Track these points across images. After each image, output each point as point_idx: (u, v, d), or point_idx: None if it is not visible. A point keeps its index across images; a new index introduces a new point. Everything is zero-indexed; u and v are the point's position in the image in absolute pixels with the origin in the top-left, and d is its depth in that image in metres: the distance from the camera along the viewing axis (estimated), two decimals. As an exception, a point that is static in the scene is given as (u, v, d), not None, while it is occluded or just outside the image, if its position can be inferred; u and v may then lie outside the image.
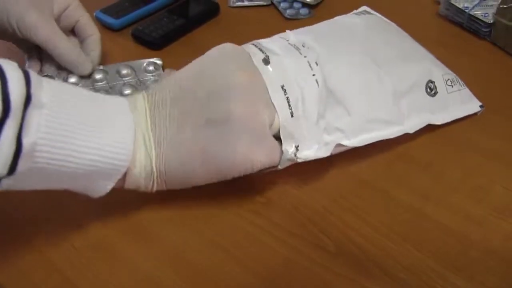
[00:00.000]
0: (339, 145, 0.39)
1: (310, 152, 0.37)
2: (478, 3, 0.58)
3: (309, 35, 0.42)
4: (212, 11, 0.62)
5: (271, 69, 0.37)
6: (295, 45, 0.40)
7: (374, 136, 0.41)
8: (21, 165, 0.28)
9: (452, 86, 0.46)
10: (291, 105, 0.36)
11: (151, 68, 0.52)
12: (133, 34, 0.58)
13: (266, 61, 0.38)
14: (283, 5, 0.63)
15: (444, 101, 0.45)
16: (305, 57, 0.39)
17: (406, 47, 0.47)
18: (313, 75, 0.38)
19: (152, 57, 0.54)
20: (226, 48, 0.39)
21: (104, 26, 0.61)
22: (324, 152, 0.38)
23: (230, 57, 0.38)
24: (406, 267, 0.35)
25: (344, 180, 0.41)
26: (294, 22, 0.61)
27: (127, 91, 0.49)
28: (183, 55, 0.55)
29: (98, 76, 0.51)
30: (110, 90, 0.49)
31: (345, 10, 0.62)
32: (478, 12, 0.56)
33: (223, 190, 0.39)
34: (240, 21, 0.62)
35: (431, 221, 0.38)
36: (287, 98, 0.36)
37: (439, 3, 0.63)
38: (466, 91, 0.47)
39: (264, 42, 0.40)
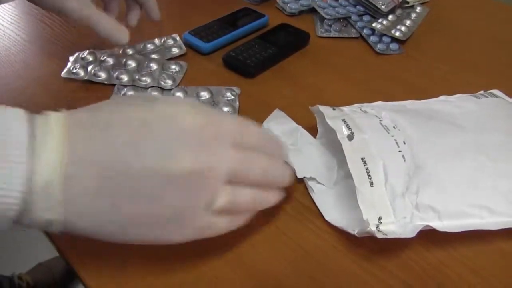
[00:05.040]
0: (427, 226, 0.37)
1: (394, 227, 0.35)
2: None
3: (405, 117, 0.42)
4: (303, 40, 0.61)
5: (353, 144, 0.38)
6: (386, 126, 0.41)
7: (473, 224, 0.37)
8: None
9: None
10: (371, 175, 0.36)
11: (228, 94, 0.53)
12: (224, 60, 0.57)
13: (350, 137, 0.39)
14: (373, 39, 0.62)
15: None
16: (392, 136, 0.39)
17: None
18: (399, 151, 0.38)
19: (240, 83, 0.54)
20: (179, 116, 0.32)
21: (191, 48, 0.60)
22: (410, 232, 0.36)
23: (184, 137, 0.31)
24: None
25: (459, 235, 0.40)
26: (385, 57, 0.60)
27: None
28: (274, 83, 0.55)
29: (177, 93, 0.52)
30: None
31: (434, 47, 0.61)
32: None
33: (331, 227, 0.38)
34: (330, 53, 0.61)
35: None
36: (367, 168, 0.36)
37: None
38: None
39: (357, 117, 0.41)
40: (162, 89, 0.54)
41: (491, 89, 0.52)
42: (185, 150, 0.30)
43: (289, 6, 0.69)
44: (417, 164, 0.38)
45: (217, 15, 0.65)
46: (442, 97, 0.50)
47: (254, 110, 0.52)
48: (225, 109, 0.51)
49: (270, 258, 0.37)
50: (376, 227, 0.35)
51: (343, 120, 0.41)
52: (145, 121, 0.31)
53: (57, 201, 0.29)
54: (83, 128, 0.30)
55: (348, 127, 0.40)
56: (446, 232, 0.37)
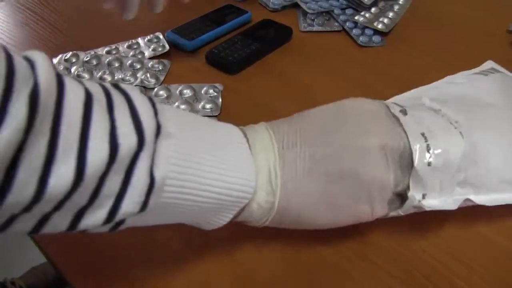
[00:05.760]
0: (467, 200, 0.37)
1: (436, 202, 0.36)
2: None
3: (444, 106, 0.41)
4: (286, 36, 0.61)
5: (410, 119, 0.36)
6: (431, 108, 0.39)
7: (504, 198, 0.38)
8: (152, 201, 0.28)
9: None
10: (431, 154, 0.35)
11: (210, 90, 0.53)
12: (207, 57, 0.57)
13: (404, 112, 0.37)
14: (355, 31, 0.62)
15: None
16: (443, 116, 0.38)
17: None
18: (455, 128, 0.37)
19: (224, 80, 0.54)
20: (365, 104, 0.37)
21: (175, 47, 0.60)
22: (452, 205, 0.36)
23: (369, 115, 0.36)
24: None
25: (443, 224, 0.40)
26: (368, 50, 0.61)
27: (183, 106, 0.51)
28: (258, 79, 0.55)
29: (160, 92, 0.53)
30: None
31: (417, 40, 0.62)
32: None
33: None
34: (313, 47, 0.61)
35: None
36: (428, 145, 0.35)
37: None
38: None
39: (399, 100, 0.40)
40: (145, 88, 0.54)
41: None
42: (374, 127, 0.35)
43: (272, 1, 0.69)
44: (473, 141, 0.37)
45: (201, 13, 0.65)
46: (447, 78, 0.50)
47: (237, 106, 0.52)
48: (208, 106, 0.51)
49: (260, 257, 0.38)
50: (419, 202, 0.35)
51: (393, 102, 0.39)
52: (338, 109, 0.36)
53: (278, 184, 0.33)
54: (287, 122, 0.36)
55: (397, 104, 0.38)
56: (452, 213, 0.37)
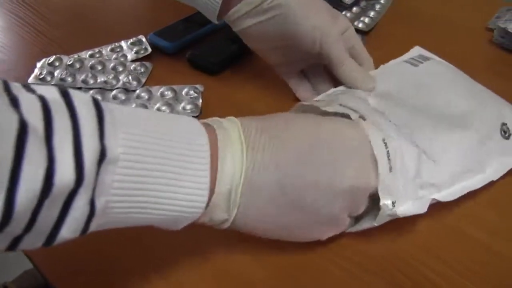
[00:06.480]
0: (433, 200, 0.38)
1: (406, 206, 0.37)
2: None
3: (387, 106, 0.42)
4: (266, 36, 0.62)
5: (370, 124, 0.37)
6: (376, 109, 0.41)
7: (462, 188, 0.40)
8: (93, 225, 0.27)
9: None
10: (390, 159, 0.36)
11: (191, 92, 0.54)
12: (189, 59, 0.58)
13: (363, 118, 0.38)
14: (336, 31, 0.63)
15: None
16: (390, 121, 0.39)
17: (476, 92, 0.47)
18: (403, 133, 0.38)
19: (206, 81, 0.55)
20: (345, 140, 0.36)
21: (157, 49, 0.61)
22: (421, 208, 0.37)
23: (345, 153, 0.36)
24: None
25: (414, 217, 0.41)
26: (348, 49, 0.61)
27: (163, 108, 0.52)
28: (239, 80, 0.56)
29: (142, 94, 0.54)
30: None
31: (397, 38, 0.62)
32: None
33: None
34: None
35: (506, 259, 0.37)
36: (387, 151, 0.36)
37: (491, 30, 0.62)
38: None
39: (350, 101, 0.41)
40: (127, 90, 0.54)
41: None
42: (348, 170, 0.35)
43: (255, 3, 0.69)
44: (417, 144, 0.38)
45: (183, 15, 0.65)
46: (380, 69, 0.50)
47: (217, 107, 0.52)
48: (188, 107, 0.51)
49: (245, 260, 0.38)
50: (391, 210, 0.36)
51: (340, 104, 0.40)
52: (317, 136, 0.35)
53: (236, 204, 0.33)
54: (260, 136, 0.34)
55: (351, 108, 0.39)
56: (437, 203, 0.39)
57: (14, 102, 0.24)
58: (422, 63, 0.49)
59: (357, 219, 0.39)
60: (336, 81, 0.49)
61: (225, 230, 0.35)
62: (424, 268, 0.37)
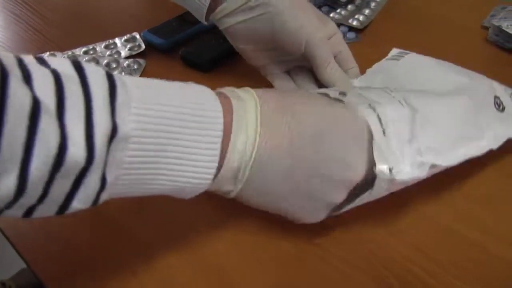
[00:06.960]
0: (432, 167, 0.37)
1: (405, 172, 0.36)
2: (531, 30, 0.57)
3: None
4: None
5: (352, 96, 0.37)
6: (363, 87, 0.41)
7: (462, 154, 0.39)
8: (104, 196, 0.28)
9: None
10: (382, 122, 0.35)
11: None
12: (182, 56, 0.58)
13: (343, 94, 0.38)
14: (330, 28, 0.62)
15: None
16: (376, 88, 0.39)
17: (464, 71, 0.47)
18: (393, 97, 0.38)
19: (198, 78, 0.54)
20: (348, 129, 0.36)
21: (151, 46, 0.61)
22: (420, 173, 0.36)
23: (351, 143, 0.36)
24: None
25: (404, 215, 0.41)
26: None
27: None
28: (231, 76, 0.56)
29: None
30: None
31: (391, 36, 0.62)
32: (531, 40, 0.56)
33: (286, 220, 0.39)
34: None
35: (496, 258, 0.37)
36: (378, 115, 0.36)
37: (487, 29, 0.62)
38: None
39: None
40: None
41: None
42: (354, 163, 0.35)
43: (250, 0, 0.69)
44: (413, 106, 0.38)
45: (177, 13, 0.65)
46: (365, 74, 0.51)
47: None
48: (179, 103, 0.51)
49: (232, 257, 0.38)
50: (389, 174, 0.36)
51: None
52: (330, 119, 0.35)
53: (243, 179, 0.33)
54: (275, 113, 0.34)
55: (333, 89, 0.39)
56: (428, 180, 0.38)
57: (27, 78, 0.25)
58: (403, 57, 0.50)
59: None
60: (320, 83, 0.50)
61: (216, 228, 0.36)
62: (415, 268, 0.37)
